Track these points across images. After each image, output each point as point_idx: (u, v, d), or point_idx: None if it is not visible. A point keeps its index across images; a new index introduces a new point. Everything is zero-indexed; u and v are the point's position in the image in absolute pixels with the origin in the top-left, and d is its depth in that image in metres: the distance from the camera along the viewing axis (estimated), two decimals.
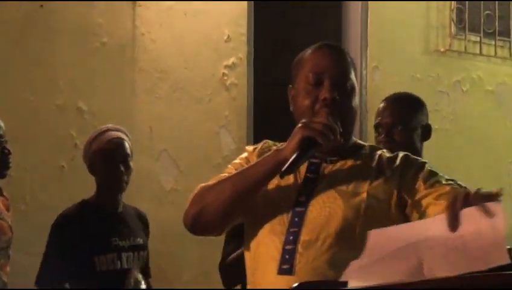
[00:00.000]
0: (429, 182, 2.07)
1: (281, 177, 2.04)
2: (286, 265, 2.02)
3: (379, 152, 2.17)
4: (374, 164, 2.13)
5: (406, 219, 2.07)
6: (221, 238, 3.40)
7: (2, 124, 3.14)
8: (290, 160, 2.00)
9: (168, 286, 4.56)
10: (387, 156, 2.15)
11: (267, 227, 2.09)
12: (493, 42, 5.82)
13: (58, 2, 4.24)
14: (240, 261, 3.17)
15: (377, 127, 3.06)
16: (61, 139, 4.21)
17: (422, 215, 2.03)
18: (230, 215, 2.13)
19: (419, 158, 2.18)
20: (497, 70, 5.86)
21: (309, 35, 5.31)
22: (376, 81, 5.60)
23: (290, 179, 2.09)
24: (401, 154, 2.16)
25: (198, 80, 4.72)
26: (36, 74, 4.18)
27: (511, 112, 5.91)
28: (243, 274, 3.23)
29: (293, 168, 2.01)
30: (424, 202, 2.04)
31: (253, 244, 2.14)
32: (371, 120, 5.64)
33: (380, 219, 2.02)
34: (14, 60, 4.12)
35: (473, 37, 5.75)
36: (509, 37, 5.86)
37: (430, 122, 3.20)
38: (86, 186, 3.70)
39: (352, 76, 2.14)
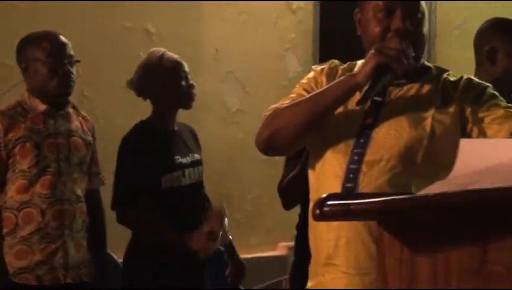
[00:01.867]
0: (487, 105, 2.09)
1: (358, 105, 2.05)
2: (350, 183, 2.05)
3: (445, 75, 2.18)
4: (439, 87, 2.14)
5: None
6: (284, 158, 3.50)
7: (68, 43, 3.22)
8: (366, 87, 2.01)
9: (234, 204, 4.71)
10: (451, 80, 2.16)
11: (332, 146, 2.12)
12: None
13: None
14: (295, 182, 3.25)
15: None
16: (130, 60, 4.30)
17: (483, 135, 2.05)
18: (303, 137, 2.16)
19: (481, 82, 2.17)
20: None
21: None
22: (445, 8, 5.54)
23: (356, 100, 2.09)
24: (465, 76, 2.17)
25: (264, 4, 4.77)
26: None
27: None
28: (300, 195, 3.31)
29: (369, 95, 2.02)
30: (480, 126, 2.06)
31: (318, 163, 2.17)
32: (439, 45, 5.64)
33: (444, 144, 2.05)
34: None
35: None
36: None
37: None
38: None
39: (423, 3, 2.14)
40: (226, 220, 3.37)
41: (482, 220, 1.48)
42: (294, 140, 2.16)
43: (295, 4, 4.87)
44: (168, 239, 3.27)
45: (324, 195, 1.60)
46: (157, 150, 3.36)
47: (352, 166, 2.07)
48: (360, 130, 2.11)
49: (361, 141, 2.10)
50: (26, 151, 3.07)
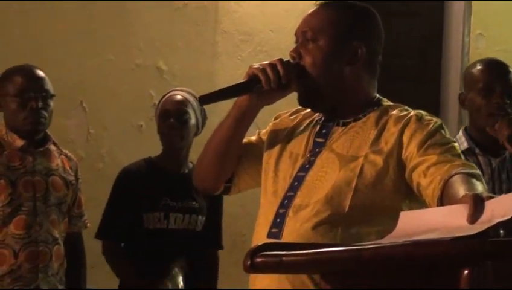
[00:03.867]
0: (423, 148, 1.91)
1: (200, 102, 2.15)
2: (275, 229, 1.97)
3: (394, 111, 2.03)
4: (382, 124, 2.00)
5: (405, 185, 1.93)
6: None
7: (43, 77, 3.11)
8: (217, 89, 2.08)
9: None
10: (398, 115, 2.01)
11: (271, 191, 2.05)
12: None
13: None
14: None
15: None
16: (140, 98, 4.22)
17: (418, 186, 1.89)
18: (219, 166, 2.14)
19: (429, 118, 2.00)
20: None
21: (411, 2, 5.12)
22: (480, 50, 5.34)
23: (302, 144, 2.06)
24: (413, 112, 2.02)
25: (283, 44, 4.61)
26: (117, 33, 4.20)
27: None
28: None
29: (213, 97, 2.08)
30: (416, 173, 1.90)
31: (260, 206, 2.10)
32: None
33: (373, 187, 1.92)
34: (95, 19, 4.15)
35: None
36: None
37: None
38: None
39: (324, 32, 2.06)
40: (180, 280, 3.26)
41: (419, 275, 1.31)
42: (213, 173, 2.15)
43: None
44: (128, 283, 3.26)
45: (257, 244, 1.48)
46: (144, 187, 3.33)
47: (280, 210, 1.98)
48: (297, 173, 2.02)
49: (295, 184, 2.00)
50: (0, 189, 2.96)
